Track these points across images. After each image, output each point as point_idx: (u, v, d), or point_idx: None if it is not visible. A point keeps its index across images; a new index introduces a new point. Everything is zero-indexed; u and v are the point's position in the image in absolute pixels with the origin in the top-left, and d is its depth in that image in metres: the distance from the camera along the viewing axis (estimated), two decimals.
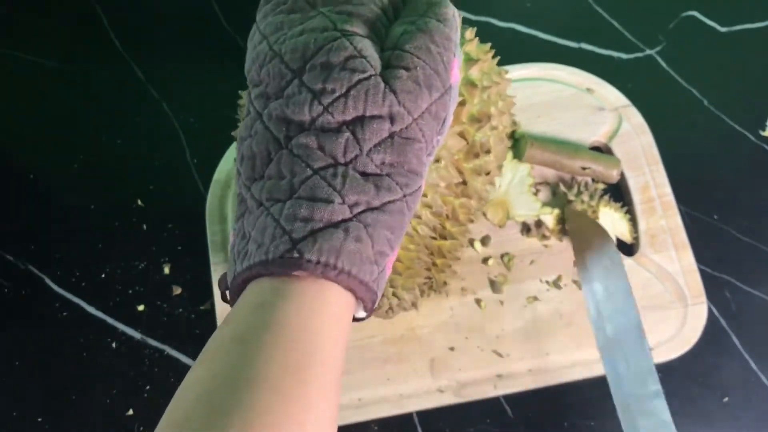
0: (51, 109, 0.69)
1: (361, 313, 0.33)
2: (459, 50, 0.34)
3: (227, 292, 0.33)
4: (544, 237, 0.59)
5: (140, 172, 0.65)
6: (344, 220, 0.30)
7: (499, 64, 0.64)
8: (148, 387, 0.57)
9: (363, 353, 0.56)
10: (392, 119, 0.31)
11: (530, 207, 0.59)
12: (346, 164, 0.31)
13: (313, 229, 0.29)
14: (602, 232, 0.55)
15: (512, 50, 0.67)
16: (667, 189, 0.60)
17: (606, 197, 0.59)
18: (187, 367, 0.57)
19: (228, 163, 0.62)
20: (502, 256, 0.58)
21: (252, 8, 0.77)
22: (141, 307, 0.60)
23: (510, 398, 0.55)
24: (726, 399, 0.54)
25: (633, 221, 0.59)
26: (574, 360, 0.55)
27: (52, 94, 0.70)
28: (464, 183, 0.43)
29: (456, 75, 0.34)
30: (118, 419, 0.56)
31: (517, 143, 0.61)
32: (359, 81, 0.31)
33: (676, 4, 0.70)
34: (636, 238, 0.58)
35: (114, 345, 0.59)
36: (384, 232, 0.31)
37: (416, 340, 0.56)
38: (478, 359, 0.55)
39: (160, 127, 0.67)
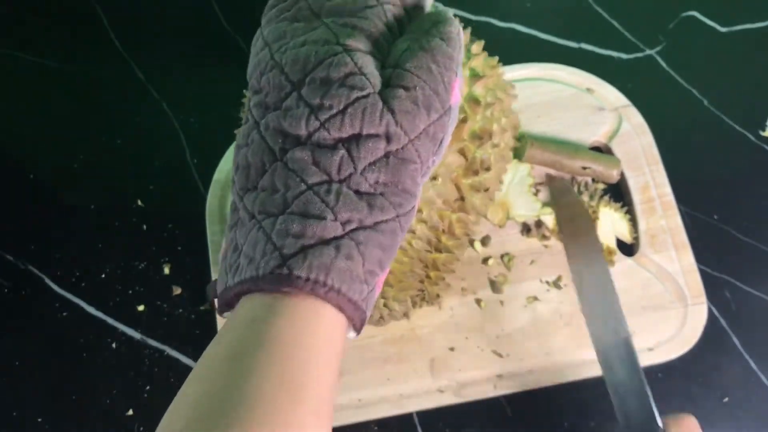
0: (51, 109, 0.69)
1: (351, 334, 0.32)
2: (461, 70, 0.34)
3: (216, 301, 0.33)
4: (544, 237, 0.59)
5: (140, 172, 0.65)
6: (336, 238, 0.29)
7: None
8: (148, 387, 0.57)
9: (363, 353, 0.56)
10: (388, 139, 0.31)
11: (530, 207, 0.59)
12: (340, 181, 0.30)
13: (304, 245, 0.29)
14: (582, 215, 0.54)
15: (512, 50, 0.67)
16: (667, 189, 0.60)
17: (606, 197, 0.59)
18: (187, 368, 0.57)
19: (228, 163, 0.62)
20: (502, 256, 0.58)
21: (252, 8, 0.77)
22: (141, 307, 0.60)
23: (510, 398, 0.55)
24: (726, 399, 0.54)
25: (633, 221, 0.59)
26: (573, 360, 0.55)
27: (52, 94, 0.70)
28: (462, 199, 0.42)
29: (457, 95, 0.33)
30: (118, 419, 0.56)
31: (517, 143, 0.61)
32: (357, 99, 0.30)
33: (676, 4, 0.70)
34: (636, 238, 0.58)
35: (114, 345, 0.59)
36: (375, 251, 0.31)
37: (416, 340, 0.56)
38: (478, 359, 0.55)
39: (160, 127, 0.67)
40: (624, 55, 0.68)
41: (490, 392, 0.54)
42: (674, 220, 0.59)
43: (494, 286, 0.57)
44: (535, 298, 0.57)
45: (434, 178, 0.40)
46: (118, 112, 0.68)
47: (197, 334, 0.58)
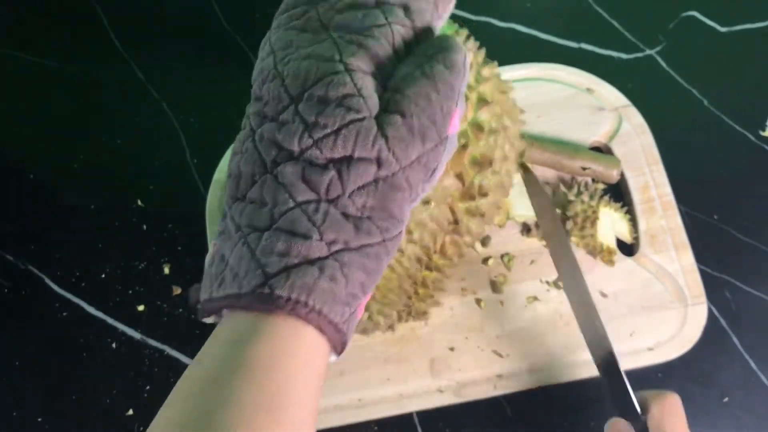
0: (51, 109, 0.69)
1: (332, 357, 0.32)
2: (462, 99, 0.33)
3: (198, 306, 0.33)
4: (543, 237, 0.59)
5: (140, 172, 0.65)
6: (320, 258, 0.29)
7: (500, 64, 0.65)
8: (148, 387, 0.57)
9: (363, 353, 0.56)
10: (379, 164, 0.30)
11: (530, 207, 0.58)
12: (328, 201, 0.30)
13: (287, 265, 0.29)
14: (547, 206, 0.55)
15: (512, 50, 0.67)
16: (667, 189, 0.60)
17: (606, 197, 0.59)
18: (186, 368, 0.57)
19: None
20: (502, 256, 0.58)
21: (252, 8, 0.77)
22: (141, 307, 0.60)
23: (510, 398, 0.55)
24: (726, 399, 0.54)
25: (633, 221, 0.59)
26: (574, 360, 0.55)
27: (52, 94, 0.70)
28: (456, 222, 0.42)
29: (455, 125, 0.33)
30: (118, 419, 0.56)
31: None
32: (352, 121, 0.30)
33: (676, 4, 0.70)
34: (636, 238, 0.58)
35: (114, 345, 0.59)
36: (359, 274, 0.30)
37: (416, 340, 0.56)
38: (478, 359, 0.55)
39: (160, 127, 0.67)
40: (624, 55, 0.68)
41: (490, 392, 0.54)
42: (674, 220, 0.59)
43: (494, 286, 0.57)
44: (535, 298, 0.57)
45: (427, 201, 0.39)
46: (118, 112, 0.68)
47: (197, 334, 0.58)
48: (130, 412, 0.56)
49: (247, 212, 0.31)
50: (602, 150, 0.62)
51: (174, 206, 0.63)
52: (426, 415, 0.54)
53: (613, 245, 0.58)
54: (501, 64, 0.65)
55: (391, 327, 0.51)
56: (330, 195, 0.30)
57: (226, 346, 0.29)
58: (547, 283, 0.57)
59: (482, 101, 0.40)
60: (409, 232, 0.41)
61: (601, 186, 0.60)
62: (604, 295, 0.56)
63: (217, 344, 0.29)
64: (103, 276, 0.61)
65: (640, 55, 0.68)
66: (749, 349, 0.55)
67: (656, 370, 0.55)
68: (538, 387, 0.54)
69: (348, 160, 0.30)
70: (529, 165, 0.59)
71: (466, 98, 0.39)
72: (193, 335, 0.58)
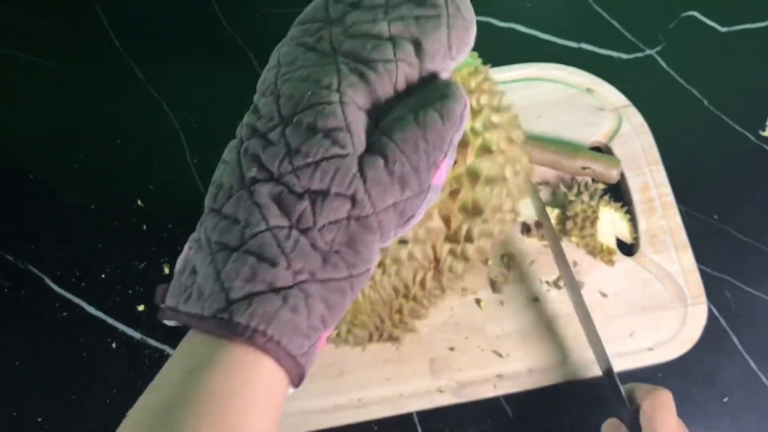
0: (51, 109, 0.69)
1: (289, 389, 0.31)
2: (454, 151, 0.32)
3: (162, 306, 0.32)
4: (544, 237, 0.59)
5: (140, 172, 0.65)
6: (285, 287, 0.29)
7: (500, 64, 0.65)
8: None
9: (363, 353, 0.55)
10: (354, 203, 0.30)
11: (530, 207, 0.59)
12: (299, 230, 0.29)
13: (251, 291, 0.28)
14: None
15: (512, 50, 0.67)
16: (667, 189, 0.60)
17: (606, 197, 0.59)
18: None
19: None
20: (502, 256, 0.58)
21: (252, 8, 0.77)
22: (141, 307, 0.60)
23: (510, 398, 0.55)
24: (726, 399, 0.54)
25: (633, 221, 0.59)
26: (574, 360, 0.55)
27: (52, 94, 0.70)
28: (437, 261, 0.40)
29: (441, 175, 0.32)
30: (118, 419, 0.56)
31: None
32: (334, 156, 0.30)
33: (676, 4, 0.70)
34: (636, 238, 0.58)
35: (114, 345, 0.59)
36: (321, 306, 0.30)
37: (416, 340, 0.56)
38: (478, 359, 0.55)
39: (160, 127, 0.67)
40: (624, 55, 0.68)
41: (490, 392, 0.54)
42: (674, 220, 0.59)
43: (494, 286, 0.57)
44: (535, 298, 0.57)
45: (404, 241, 0.38)
46: (118, 112, 0.68)
47: None
48: None
49: (219, 228, 0.30)
50: (602, 150, 0.62)
51: (174, 206, 0.63)
52: (426, 415, 0.54)
53: (613, 245, 0.58)
54: (501, 64, 0.65)
55: (361, 345, 0.49)
56: (300, 225, 0.29)
57: (182, 374, 0.28)
58: (547, 283, 0.57)
59: (485, 149, 0.38)
60: (385, 265, 0.39)
61: (601, 186, 0.60)
62: (604, 295, 0.56)
63: (173, 371, 0.29)
64: (103, 276, 0.61)
65: (640, 55, 0.68)
66: (749, 349, 0.55)
67: (656, 370, 0.55)
68: (538, 387, 0.54)
69: (324, 194, 0.30)
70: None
71: (468, 143, 0.38)
72: None
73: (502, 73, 0.65)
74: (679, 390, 0.54)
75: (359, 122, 0.31)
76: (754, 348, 0.55)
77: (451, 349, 0.56)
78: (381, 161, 0.30)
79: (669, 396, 0.44)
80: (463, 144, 0.38)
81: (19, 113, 0.70)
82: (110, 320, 0.60)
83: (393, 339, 0.49)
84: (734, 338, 0.56)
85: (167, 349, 0.58)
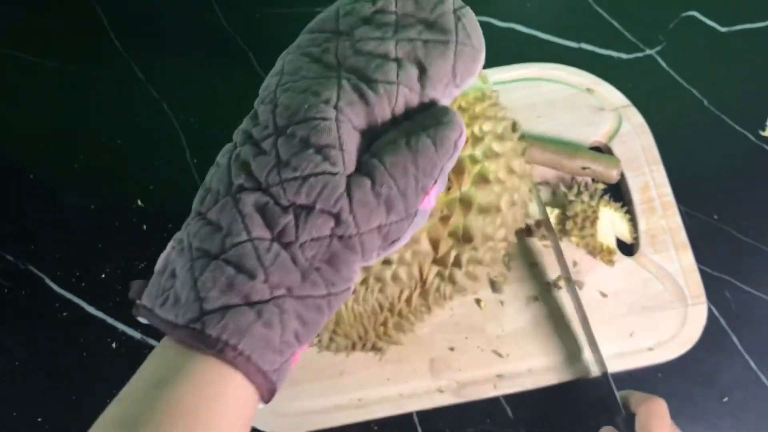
0: (51, 109, 0.69)
1: (259, 404, 0.30)
2: (444, 178, 0.32)
3: (138, 302, 0.32)
4: (544, 237, 0.59)
5: (140, 172, 0.65)
6: (260, 302, 0.28)
7: (500, 64, 0.65)
8: None
9: (363, 353, 0.55)
10: (338, 222, 0.29)
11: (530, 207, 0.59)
12: (281, 245, 0.29)
13: (225, 304, 0.28)
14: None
15: (512, 50, 0.67)
16: (667, 189, 0.60)
17: (606, 197, 0.59)
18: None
19: None
20: (502, 256, 0.58)
21: (252, 8, 0.77)
22: None
23: (510, 398, 0.55)
24: (726, 399, 0.54)
25: (633, 221, 0.59)
26: (574, 360, 0.55)
27: (52, 94, 0.70)
28: (424, 282, 0.39)
29: (430, 201, 0.32)
30: None
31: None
32: (323, 173, 0.29)
33: (676, 4, 0.70)
34: (636, 238, 0.58)
35: (114, 345, 0.59)
36: (296, 323, 0.29)
37: (416, 340, 0.56)
38: (478, 359, 0.55)
39: (160, 127, 0.67)
40: (624, 55, 0.68)
41: (490, 392, 0.54)
42: (674, 220, 0.59)
43: (494, 286, 0.57)
44: (535, 298, 0.57)
45: (388, 262, 0.37)
46: (118, 112, 0.68)
47: None
48: None
49: (201, 233, 0.30)
50: (602, 150, 0.62)
51: (174, 206, 0.63)
52: (426, 415, 0.54)
53: (613, 245, 0.58)
54: (501, 64, 0.65)
55: (343, 352, 0.49)
56: (283, 239, 0.29)
57: (148, 386, 0.28)
58: (547, 283, 0.57)
59: (482, 177, 0.37)
60: (368, 283, 0.39)
61: (601, 186, 0.60)
62: (604, 295, 0.56)
63: (141, 382, 0.29)
64: (103, 276, 0.61)
65: (640, 55, 0.68)
66: (749, 349, 0.55)
67: (656, 370, 0.55)
68: (538, 387, 0.54)
69: (308, 209, 0.29)
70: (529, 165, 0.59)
71: (464, 170, 0.37)
72: None
73: (502, 73, 0.65)
74: (679, 390, 0.54)
75: (352, 141, 0.30)
76: (754, 348, 0.55)
77: (451, 349, 0.56)
78: (368, 182, 0.30)
79: (663, 404, 0.45)
80: (460, 170, 0.37)
81: (19, 113, 0.70)
82: (110, 320, 0.60)
83: (376, 350, 0.48)
84: (734, 338, 0.56)
85: None
